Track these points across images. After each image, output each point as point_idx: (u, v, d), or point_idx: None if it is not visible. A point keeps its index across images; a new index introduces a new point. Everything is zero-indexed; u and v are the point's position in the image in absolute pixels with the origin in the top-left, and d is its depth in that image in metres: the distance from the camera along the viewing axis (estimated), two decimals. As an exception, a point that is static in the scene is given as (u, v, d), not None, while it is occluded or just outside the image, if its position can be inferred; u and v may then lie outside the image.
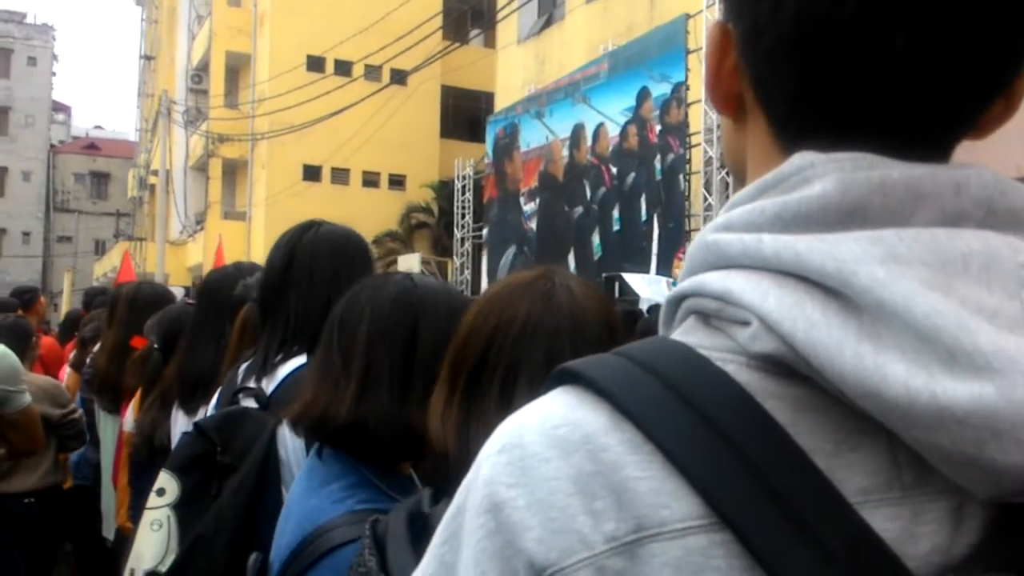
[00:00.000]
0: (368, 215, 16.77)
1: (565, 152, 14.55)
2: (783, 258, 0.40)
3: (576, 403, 0.43)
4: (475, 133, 19.45)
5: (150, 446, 2.16)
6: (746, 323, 0.41)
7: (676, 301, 0.47)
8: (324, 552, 0.98)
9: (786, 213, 0.42)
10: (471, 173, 16.65)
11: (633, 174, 12.96)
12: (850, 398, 0.38)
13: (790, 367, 0.40)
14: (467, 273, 16.52)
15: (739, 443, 0.39)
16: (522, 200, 15.76)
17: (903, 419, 0.37)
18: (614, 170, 13.46)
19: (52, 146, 45.12)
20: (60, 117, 49.97)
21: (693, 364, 0.42)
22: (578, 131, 14.18)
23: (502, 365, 0.83)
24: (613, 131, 13.46)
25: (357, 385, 1.06)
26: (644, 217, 12.41)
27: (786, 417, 0.39)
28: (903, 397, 0.36)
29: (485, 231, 16.34)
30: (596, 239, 13.71)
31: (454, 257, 16.97)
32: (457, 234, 16.90)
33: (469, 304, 1.19)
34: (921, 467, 0.39)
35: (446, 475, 0.83)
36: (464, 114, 22.02)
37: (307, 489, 1.08)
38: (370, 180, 21.69)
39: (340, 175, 21.24)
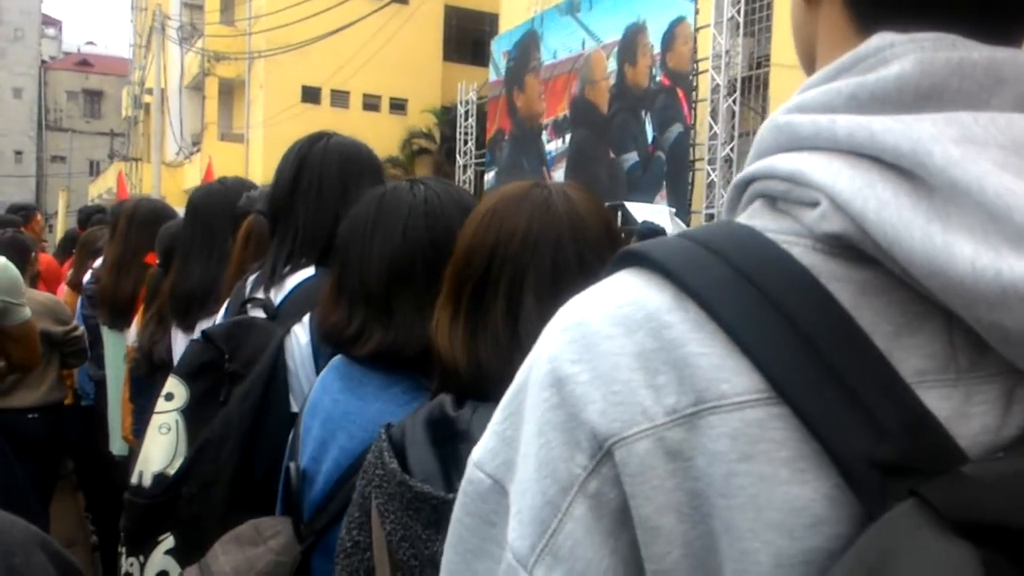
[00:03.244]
0: (369, 140, 15.86)
1: (612, 66, 9.22)
2: (857, 138, 0.40)
3: (641, 284, 0.44)
4: (479, 56, 18.99)
5: (149, 361, 2.19)
6: (815, 204, 0.41)
7: (742, 186, 0.47)
8: None
9: (862, 94, 0.42)
10: (474, 98, 16.32)
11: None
12: (916, 278, 0.38)
13: (857, 249, 0.40)
14: (468, 201, 16.35)
15: (800, 323, 0.39)
16: (544, 135, 10.77)
17: (967, 297, 0.37)
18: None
19: (43, 62, 44.16)
20: (51, 32, 48.80)
21: (758, 246, 0.42)
22: (634, 34, 8.78)
23: (506, 277, 0.84)
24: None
25: (385, 307, 1.07)
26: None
27: (849, 299, 0.40)
28: (968, 276, 0.36)
29: (491, 174, 13.69)
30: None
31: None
32: (459, 161, 16.69)
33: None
34: (976, 351, 0.40)
35: (458, 386, 0.85)
36: (468, 36, 21.46)
37: (360, 395, 1.08)
38: (371, 104, 21.30)
39: (340, 98, 20.83)
